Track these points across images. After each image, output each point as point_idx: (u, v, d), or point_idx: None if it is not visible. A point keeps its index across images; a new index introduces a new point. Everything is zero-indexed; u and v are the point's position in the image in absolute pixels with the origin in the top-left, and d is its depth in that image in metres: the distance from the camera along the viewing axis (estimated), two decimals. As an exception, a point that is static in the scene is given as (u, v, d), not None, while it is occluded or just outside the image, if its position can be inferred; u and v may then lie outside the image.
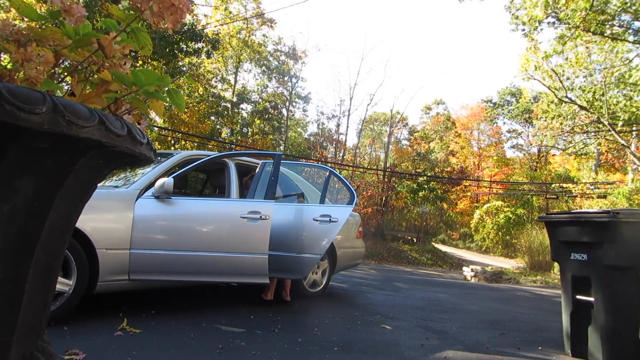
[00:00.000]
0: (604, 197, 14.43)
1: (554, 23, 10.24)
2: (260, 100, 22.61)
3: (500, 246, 21.52)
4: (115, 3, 8.43)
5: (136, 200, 3.25)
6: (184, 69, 14.06)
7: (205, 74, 19.30)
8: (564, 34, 10.12)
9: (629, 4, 9.30)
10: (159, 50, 10.47)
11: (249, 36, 21.02)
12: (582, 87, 12.64)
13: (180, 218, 3.46)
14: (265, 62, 23.12)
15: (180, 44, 11.19)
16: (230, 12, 18.62)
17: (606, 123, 11.69)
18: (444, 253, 21.16)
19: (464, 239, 27.02)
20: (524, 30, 10.64)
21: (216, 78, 21.55)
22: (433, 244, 23.60)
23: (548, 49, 11.21)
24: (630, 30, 10.58)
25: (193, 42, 11.63)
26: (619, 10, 9.47)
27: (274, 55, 23.45)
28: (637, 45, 10.76)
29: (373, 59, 58.84)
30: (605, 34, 10.37)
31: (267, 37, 22.27)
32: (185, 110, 15.27)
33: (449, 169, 27.75)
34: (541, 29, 10.67)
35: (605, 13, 9.44)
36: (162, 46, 10.49)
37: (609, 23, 9.96)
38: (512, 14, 10.65)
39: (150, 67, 11.17)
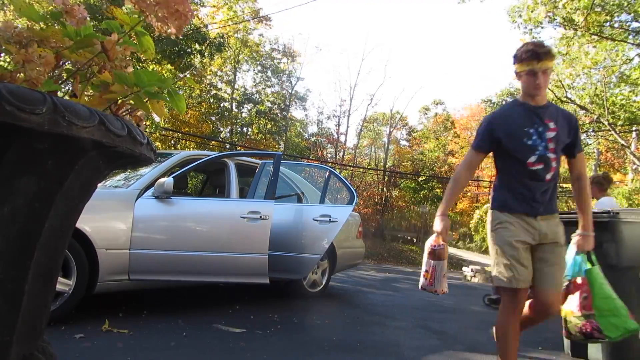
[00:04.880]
0: (604, 197, 14.39)
1: (554, 21, 10.24)
2: (261, 99, 22.58)
3: (500, 246, 21.45)
4: (119, 6, 8.46)
5: (136, 200, 3.25)
6: (192, 66, 14.01)
7: (207, 75, 19.30)
8: (567, 35, 10.13)
9: (626, 4, 9.31)
10: (162, 51, 10.46)
11: (247, 35, 20.98)
12: (582, 87, 12.65)
13: (180, 218, 3.46)
14: (262, 61, 23.09)
15: (184, 44, 11.18)
16: (236, 12, 18.60)
17: (606, 123, 11.69)
18: (444, 253, 21.11)
19: (463, 239, 26.98)
20: (525, 28, 10.64)
21: (219, 79, 21.53)
22: (433, 244, 23.54)
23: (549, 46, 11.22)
24: (630, 30, 10.59)
25: (197, 44, 11.63)
26: (617, 9, 9.47)
27: (271, 55, 23.41)
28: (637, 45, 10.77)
29: (373, 59, 58.67)
30: (604, 35, 10.38)
31: (263, 36, 22.26)
32: (186, 110, 15.27)
33: (445, 167, 27.68)
34: (542, 27, 10.66)
35: (604, 12, 9.45)
36: (166, 46, 10.47)
37: (608, 23, 9.97)
38: (512, 18, 10.65)
39: (155, 68, 11.18)
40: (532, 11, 9.77)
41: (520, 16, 10.45)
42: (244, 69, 23.25)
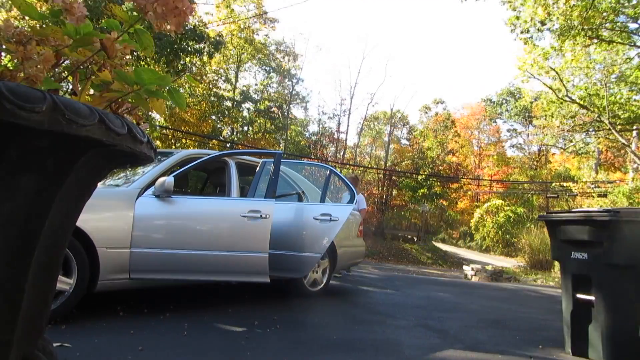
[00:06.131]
0: (605, 196, 14.39)
1: (547, 26, 10.19)
2: (262, 99, 22.57)
3: (500, 245, 21.49)
4: (119, 4, 8.42)
5: (137, 199, 3.25)
6: (187, 68, 13.97)
7: (207, 73, 19.27)
8: (562, 32, 10.07)
9: (620, 6, 9.29)
10: (160, 50, 10.43)
11: (252, 35, 20.96)
12: (582, 87, 12.63)
13: (181, 217, 3.46)
14: (266, 60, 23.08)
15: (182, 43, 11.14)
16: (232, 10, 18.57)
17: (607, 122, 11.68)
18: (444, 252, 21.14)
19: (464, 238, 26.98)
20: (525, 35, 10.57)
21: (219, 78, 21.50)
22: (433, 242, 23.58)
23: (547, 47, 11.16)
24: (629, 32, 10.55)
25: (195, 42, 11.59)
26: (609, 12, 9.44)
27: (274, 56, 23.41)
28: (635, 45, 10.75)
29: (374, 59, 58.83)
30: (602, 37, 10.34)
31: (268, 36, 22.24)
32: (187, 109, 15.28)
33: (444, 166, 27.66)
34: (542, 35, 10.60)
35: (599, 15, 9.42)
36: (163, 46, 10.45)
37: (606, 24, 9.94)
38: (511, 24, 10.58)
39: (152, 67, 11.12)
40: (532, 10, 9.72)
41: (518, 18, 10.33)
42: (246, 68, 23.25)
